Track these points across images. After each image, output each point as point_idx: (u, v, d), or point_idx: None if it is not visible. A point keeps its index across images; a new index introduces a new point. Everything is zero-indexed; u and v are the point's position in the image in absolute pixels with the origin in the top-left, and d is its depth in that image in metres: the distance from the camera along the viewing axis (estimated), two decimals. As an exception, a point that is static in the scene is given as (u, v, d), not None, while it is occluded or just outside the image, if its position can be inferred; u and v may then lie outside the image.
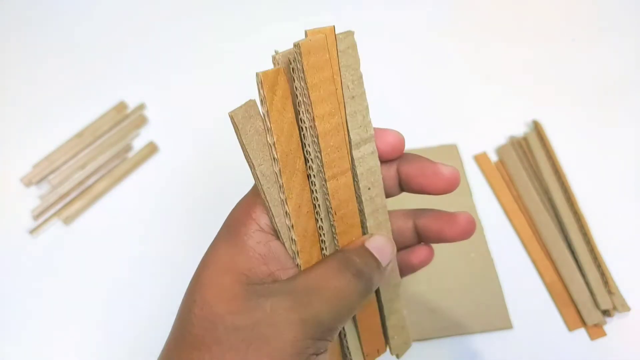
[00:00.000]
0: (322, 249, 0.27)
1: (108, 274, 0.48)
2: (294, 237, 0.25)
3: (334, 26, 0.24)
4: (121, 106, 0.57)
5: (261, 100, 0.24)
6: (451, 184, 0.27)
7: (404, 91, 0.57)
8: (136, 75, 0.59)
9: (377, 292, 0.29)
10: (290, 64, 0.24)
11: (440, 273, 0.45)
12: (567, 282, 0.45)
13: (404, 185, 0.28)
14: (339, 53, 0.24)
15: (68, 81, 0.59)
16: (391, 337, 0.30)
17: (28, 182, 0.52)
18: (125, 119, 0.56)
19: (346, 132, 0.25)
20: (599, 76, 0.58)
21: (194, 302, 0.24)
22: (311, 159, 0.25)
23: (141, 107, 0.57)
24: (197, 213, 0.50)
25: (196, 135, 0.55)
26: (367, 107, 0.26)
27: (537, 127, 0.53)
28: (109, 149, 0.54)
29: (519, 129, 0.54)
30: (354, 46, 0.25)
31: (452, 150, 0.53)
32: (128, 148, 0.54)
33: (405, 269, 0.31)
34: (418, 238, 0.30)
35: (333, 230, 0.26)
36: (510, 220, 0.49)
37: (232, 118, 0.23)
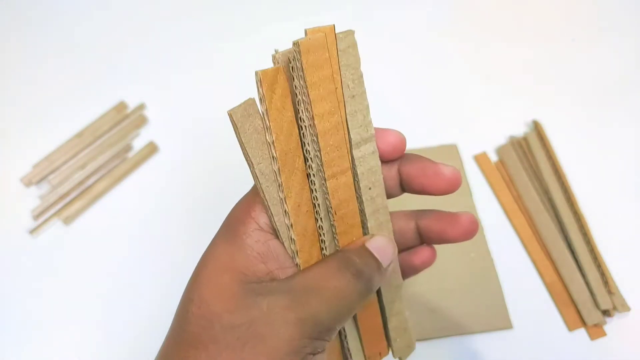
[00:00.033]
0: (322, 248, 0.26)
1: (108, 274, 0.48)
2: (293, 237, 0.25)
3: (333, 25, 0.24)
4: (121, 106, 0.57)
5: (260, 99, 0.24)
6: (453, 184, 0.27)
7: (404, 91, 0.57)
8: (136, 75, 0.59)
9: (379, 293, 0.29)
10: (290, 62, 0.24)
11: (440, 273, 0.45)
12: (567, 282, 0.45)
13: (405, 186, 0.28)
14: (339, 52, 0.24)
15: (68, 81, 0.59)
16: (393, 340, 0.30)
17: (28, 182, 0.52)
18: (125, 119, 0.56)
19: (346, 132, 0.25)
20: (599, 76, 0.58)
21: (192, 300, 0.24)
22: (310, 158, 0.25)
23: (141, 107, 0.57)
24: (197, 213, 0.50)
25: (196, 135, 0.55)
26: (367, 107, 0.26)
27: (537, 127, 0.53)
28: (109, 149, 0.54)
29: (519, 129, 0.54)
30: (354, 45, 0.25)
31: (452, 150, 0.53)
32: (128, 148, 0.54)
33: (408, 271, 0.31)
34: (420, 239, 0.30)
35: (333, 230, 0.26)
36: (510, 220, 0.49)
37: (230, 116, 0.23)
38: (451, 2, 0.64)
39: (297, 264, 0.26)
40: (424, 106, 0.56)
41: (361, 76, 0.25)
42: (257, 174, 0.24)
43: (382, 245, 0.27)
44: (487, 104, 0.56)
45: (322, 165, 0.25)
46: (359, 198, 0.27)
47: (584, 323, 0.44)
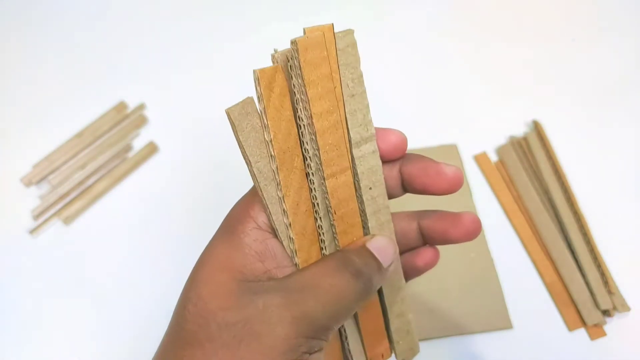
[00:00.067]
0: (322, 248, 0.26)
1: (108, 274, 0.48)
2: (291, 236, 0.25)
3: (332, 24, 0.24)
4: (121, 106, 0.57)
5: (258, 97, 0.24)
6: (454, 184, 0.27)
7: (404, 91, 0.57)
8: (136, 75, 0.59)
9: (381, 294, 0.29)
10: (288, 61, 0.24)
11: (440, 273, 0.45)
12: (567, 282, 0.45)
13: (406, 186, 0.28)
14: (338, 51, 0.24)
15: (68, 81, 0.59)
16: (396, 342, 0.30)
17: (28, 182, 0.52)
18: (125, 119, 0.56)
19: (346, 131, 0.25)
20: (599, 76, 0.58)
21: (189, 298, 0.24)
22: (309, 157, 0.25)
23: (141, 107, 0.57)
24: (196, 213, 0.50)
25: (196, 135, 0.55)
26: (367, 106, 0.26)
27: (537, 127, 0.53)
28: (109, 149, 0.54)
29: (519, 129, 0.54)
30: (353, 44, 0.25)
31: (452, 150, 0.53)
32: (128, 148, 0.54)
33: (411, 272, 0.30)
34: (422, 240, 0.30)
35: (333, 229, 0.26)
36: (510, 220, 0.49)
37: (228, 115, 0.23)
38: (451, 2, 0.64)
39: (296, 264, 0.26)
40: (424, 106, 0.56)
41: (361, 75, 0.25)
42: (255, 173, 0.24)
43: (382, 246, 0.26)
44: (487, 104, 0.56)
45: (321, 164, 0.25)
46: (359, 198, 0.26)
47: (584, 323, 0.44)
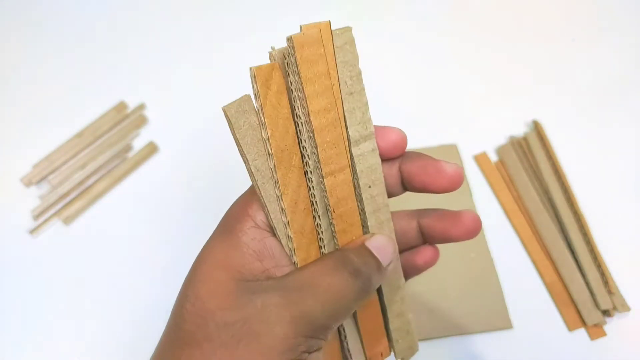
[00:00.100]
0: (321, 247, 0.26)
1: (108, 274, 0.48)
2: (290, 234, 0.25)
3: (329, 21, 0.24)
4: (121, 106, 0.57)
5: (255, 95, 0.24)
6: (454, 181, 0.26)
7: (404, 91, 0.57)
8: (136, 75, 0.59)
9: (380, 293, 0.29)
10: (285, 58, 0.24)
11: (440, 273, 0.45)
12: (567, 282, 0.45)
13: (406, 184, 0.28)
14: (336, 49, 0.24)
15: (68, 81, 0.59)
16: (395, 341, 0.29)
17: (28, 182, 0.52)
18: (125, 119, 0.56)
19: (344, 129, 0.25)
20: (599, 76, 0.58)
21: (187, 298, 0.24)
22: (307, 155, 0.25)
23: (141, 107, 0.57)
24: (196, 213, 0.50)
25: (196, 135, 0.55)
26: (366, 104, 0.26)
27: (537, 127, 0.53)
28: (109, 149, 0.54)
29: (519, 129, 0.54)
30: (351, 42, 0.25)
31: (452, 150, 0.53)
32: (128, 148, 0.54)
33: (410, 271, 0.30)
34: (422, 238, 0.29)
35: (332, 228, 0.26)
36: (510, 220, 0.49)
37: (225, 112, 0.23)
38: (451, 2, 0.64)
39: (294, 262, 0.26)
40: (423, 106, 0.56)
41: (359, 73, 0.25)
42: (253, 171, 0.24)
43: (382, 244, 0.26)
44: (487, 104, 0.56)
45: (319, 162, 0.25)
46: (358, 196, 0.26)
47: (584, 323, 0.43)
